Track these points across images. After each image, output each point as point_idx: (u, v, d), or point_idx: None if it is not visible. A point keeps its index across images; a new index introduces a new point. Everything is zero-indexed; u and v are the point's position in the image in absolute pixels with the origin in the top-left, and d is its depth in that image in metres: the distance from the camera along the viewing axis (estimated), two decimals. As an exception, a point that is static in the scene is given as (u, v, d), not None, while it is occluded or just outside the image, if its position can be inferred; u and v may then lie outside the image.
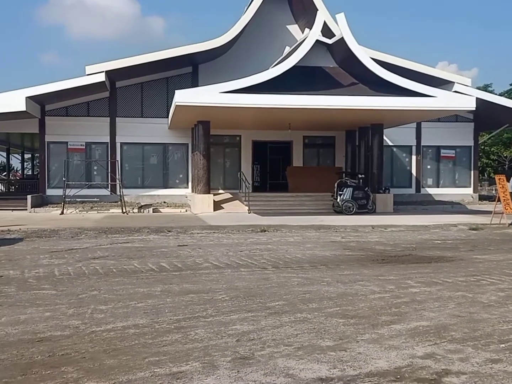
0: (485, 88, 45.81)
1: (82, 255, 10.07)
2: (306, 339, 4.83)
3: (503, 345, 4.65)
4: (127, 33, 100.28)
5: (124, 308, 5.96)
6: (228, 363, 4.19)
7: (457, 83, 24.64)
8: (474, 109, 19.38)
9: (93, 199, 23.21)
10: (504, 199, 16.79)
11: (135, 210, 21.95)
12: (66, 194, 21.77)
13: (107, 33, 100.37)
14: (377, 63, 19.75)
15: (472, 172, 28.72)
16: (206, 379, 3.88)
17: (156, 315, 5.66)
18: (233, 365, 4.15)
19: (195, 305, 6.09)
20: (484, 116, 26.04)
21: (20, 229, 14.66)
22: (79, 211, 21.48)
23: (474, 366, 4.13)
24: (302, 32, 23.65)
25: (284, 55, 22.19)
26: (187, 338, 4.85)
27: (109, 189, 24.04)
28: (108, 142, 24.95)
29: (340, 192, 20.75)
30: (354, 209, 20.51)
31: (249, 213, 20.32)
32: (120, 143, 25.09)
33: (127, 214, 21.04)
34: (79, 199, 22.61)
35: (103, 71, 22.00)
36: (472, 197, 28.20)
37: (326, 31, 21.91)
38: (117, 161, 24.08)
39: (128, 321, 5.43)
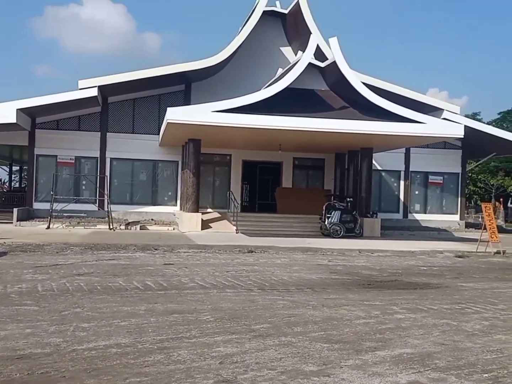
0: (473, 116, 46.46)
1: (67, 271, 9.96)
2: (289, 363, 4.80)
3: (486, 375, 4.65)
4: (122, 49, 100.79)
5: (107, 327, 5.89)
6: (210, 386, 4.15)
7: (446, 110, 24.96)
8: (463, 136, 19.62)
9: (81, 214, 23.03)
10: (490, 227, 16.91)
11: (122, 227, 21.81)
12: (54, 208, 21.60)
13: (101, 48, 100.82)
14: (368, 87, 19.99)
15: (459, 199, 28.93)
16: (188, 402, 3.83)
17: (139, 334, 5.60)
18: (215, 389, 4.10)
19: (179, 326, 6.04)
20: (472, 144, 26.34)
21: (4, 242, 14.49)
22: (66, 226, 21.30)
23: (457, 396, 4.12)
24: (295, 55, 23.90)
25: (276, 76, 22.38)
26: (169, 359, 4.80)
27: (97, 205, 23.90)
28: (98, 157, 24.86)
29: (328, 215, 20.79)
30: (342, 233, 20.53)
31: (237, 233, 20.27)
32: (110, 158, 25.02)
33: (114, 230, 20.90)
34: (66, 214, 22.41)
35: (95, 86, 22.02)
36: (459, 224, 28.36)
37: (319, 54, 22.19)
38: (106, 176, 24.00)
39: (110, 340, 5.36)
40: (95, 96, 22.15)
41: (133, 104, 25.33)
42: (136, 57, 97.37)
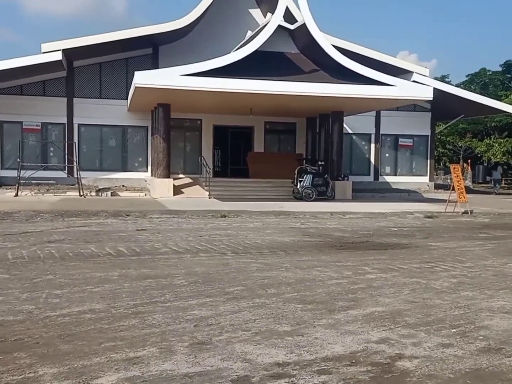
0: (442, 79, 46.80)
1: (37, 239, 9.83)
2: (264, 324, 4.86)
3: (454, 330, 4.79)
4: (87, 11, 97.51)
5: (80, 293, 5.85)
6: (185, 348, 4.18)
7: (416, 73, 25.04)
8: (432, 99, 19.79)
9: (49, 182, 22.62)
10: (458, 188, 17.25)
11: (93, 193, 21.55)
12: (21, 175, 21.13)
13: (65, 10, 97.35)
14: (339, 50, 19.86)
15: (428, 161, 29.38)
16: (163, 364, 3.86)
17: (113, 300, 5.59)
18: (191, 350, 4.14)
19: (153, 290, 6.04)
20: (441, 106, 26.61)
21: (-29, 211, 14.18)
22: (35, 193, 20.93)
23: (426, 351, 4.25)
24: (265, 17, 23.52)
25: (246, 39, 22.02)
26: (144, 323, 4.81)
27: (66, 171, 23.48)
28: (65, 123, 24.32)
29: (300, 179, 20.88)
30: (314, 196, 20.69)
31: (209, 198, 20.25)
32: (78, 124, 24.51)
33: (85, 197, 20.64)
34: (34, 181, 21.98)
35: (60, 50, 21.34)
36: (428, 185, 28.87)
37: (289, 16, 21.85)
38: (75, 143, 23.54)
39: (84, 306, 5.34)
40: (60, 60, 21.50)
41: (99, 68, 24.71)
42: (101, 21, 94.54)
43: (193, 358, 3.99)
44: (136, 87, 17.64)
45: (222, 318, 5.02)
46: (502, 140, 38.37)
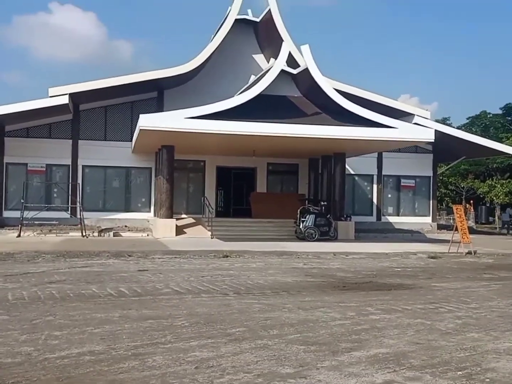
0: (443, 121, 47.30)
1: (38, 279, 9.77)
2: (266, 366, 4.78)
3: (460, 372, 4.70)
4: (93, 57, 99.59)
5: (80, 334, 5.79)
6: (186, 391, 4.10)
7: (417, 115, 25.32)
8: (433, 140, 19.93)
9: (52, 222, 22.65)
10: (461, 229, 17.18)
11: (95, 234, 21.53)
12: (24, 216, 21.19)
13: (72, 56, 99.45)
14: (341, 94, 20.16)
15: (431, 201, 29.37)
16: (163, 407, 3.78)
17: (113, 341, 5.52)
18: (191, 393, 4.06)
19: (154, 331, 5.97)
20: (443, 148, 26.80)
21: (-27, 252, 14.15)
22: (37, 233, 20.92)
23: (432, 393, 4.16)
24: (268, 62, 24.01)
25: (249, 83, 22.43)
26: (144, 365, 4.74)
27: (69, 212, 23.53)
28: (69, 165, 24.52)
29: (303, 219, 20.88)
30: (317, 236, 20.62)
31: (211, 238, 20.20)
32: (82, 165, 24.71)
33: (87, 237, 20.62)
34: (37, 222, 22.00)
35: (66, 94, 21.72)
36: (431, 226, 28.77)
37: (291, 61, 22.31)
38: (78, 183, 23.68)
39: (83, 347, 5.27)
40: (66, 104, 21.84)
41: (105, 111, 25.09)
42: (108, 65, 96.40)
43: (193, 400, 3.91)
44: (140, 129, 17.86)
45: (224, 359, 4.94)
46: (504, 181, 38.46)
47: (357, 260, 14.57)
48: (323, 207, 21.79)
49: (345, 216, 22.64)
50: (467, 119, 50.97)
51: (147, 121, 17.52)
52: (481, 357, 5.19)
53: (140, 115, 17.74)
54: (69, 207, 23.64)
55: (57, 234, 21.12)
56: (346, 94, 21.63)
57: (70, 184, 24.05)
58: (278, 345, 5.47)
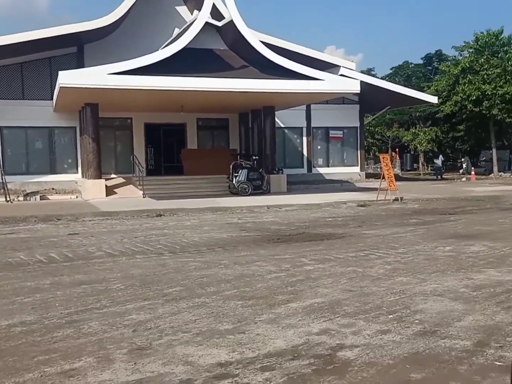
0: (368, 72, 48.12)
1: (-40, 250, 9.28)
2: (204, 324, 4.80)
3: (391, 316, 4.91)
4: (7, 7, 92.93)
5: (9, 305, 5.56)
6: (124, 356, 4.05)
7: (343, 67, 25.53)
8: (359, 91, 20.26)
9: (-28, 188, 21.46)
10: (388, 177, 17.78)
11: (21, 198, 20.59)
12: None
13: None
14: (268, 46, 19.95)
15: (359, 151, 30.14)
16: (102, 374, 3.72)
17: (46, 310, 5.35)
18: (130, 357, 4.02)
19: (88, 297, 5.83)
20: (368, 98, 27.29)
21: None
22: (-44, 202, 19.77)
23: (365, 339, 4.32)
24: (191, 14, 23.29)
25: (173, 36, 21.72)
26: (79, 332, 4.63)
27: (-11, 177, 22.34)
28: (-14, 126, 23.17)
29: (236, 174, 20.87)
30: (250, 190, 20.73)
31: (144, 197, 19.87)
32: (1, 126, 23.39)
33: (12, 202, 19.71)
34: (-45, 189, 20.78)
35: (-23, 49, 20.27)
36: (360, 175, 29.63)
37: (216, 13, 21.70)
38: (-2, 146, 22.44)
39: (14, 318, 5.07)
40: (-23, 60, 20.42)
41: (21, 68, 23.64)
42: (24, 17, 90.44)
43: (132, 365, 3.87)
44: (61, 87, 17.00)
45: (162, 321, 4.91)
46: (426, 129, 39.92)
47: (290, 212, 14.81)
48: (255, 161, 21.84)
49: (277, 169, 22.83)
50: (391, 69, 52.16)
51: (67, 78, 16.68)
52: (410, 300, 5.45)
53: (60, 72, 16.86)
54: (-11, 172, 22.42)
55: (-22, 201, 20.05)
56: (272, 46, 21.42)
57: (-12, 148, 22.74)
58: (216, 302, 5.50)
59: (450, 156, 46.34)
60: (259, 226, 11.89)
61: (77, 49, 24.02)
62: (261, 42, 20.04)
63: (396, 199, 17.23)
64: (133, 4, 23.04)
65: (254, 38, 19.68)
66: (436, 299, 5.46)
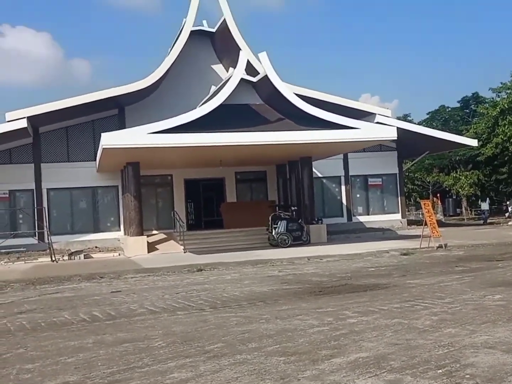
0: (405, 118, 48.14)
1: (7, 310, 9.47)
2: (246, 381, 4.71)
3: (440, 371, 4.71)
4: (51, 78, 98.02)
5: (53, 365, 5.60)
6: (166, 416, 3.99)
7: (378, 114, 25.70)
8: (396, 138, 20.21)
9: (20, 249, 22.09)
10: (430, 223, 17.43)
11: (65, 258, 21.05)
12: (-10, 245, 20.60)
13: (29, 79, 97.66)
14: (302, 98, 20.29)
15: (399, 198, 29.78)
16: None
17: (88, 369, 5.36)
18: (172, 418, 3.95)
19: (130, 355, 5.82)
20: (406, 144, 27.20)
21: None
22: (4, 262, 20.33)
23: (414, 395, 4.14)
24: (227, 71, 24.00)
25: (210, 94, 22.37)
26: (122, 392, 4.61)
27: (36, 237, 23.00)
28: (33, 189, 24.05)
29: (275, 225, 20.86)
30: (290, 241, 20.63)
31: (184, 252, 20.00)
32: (47, 189, 24.25)
33: (57, 262, 20.15)
34: (4, 250, 21.43)
35: (24, 117, 21.30)
36: (401, 222, 29.15)
37: (251, 69, 22.35)
38: (44, 207, 23.17)
39: (57, 379, 5.10)
40: (25, 128, 21.41)
41: (66, 132, 24.71)
42: (66, 85, 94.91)
43: (174, 426, 3.80)
44: (103, 148, 17.60)
45: (203, 378, 4.85)
46: (467, 173, 39.26)
47: (331, 263, 14.61)
48: (294, 212, 21.83)
49: (316, 219, 22.73)
50: (427, 114, 51.91)
51: (110, 139, 17.28)
52: (460, 353, 5.22)
53: (102, 134, 17.49)
54: (36, 232, 23.11)
55: (26, 261, 20.58)
56: (307, 98, 21.78)
57: (35, 209, 23.53)
58: (258, 358, 5.40)
59: (495, 199, 45.18)
60: (300, 278, 11.75)
61: (118, 111, 24.98)
62: (296, 94, 20.41)
63: (440, 246, 16.81)
64: (171, 66, 23.96)
65: (288, 91, 20.07)
66: (487, 351, 5.22)
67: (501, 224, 29.95)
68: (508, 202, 38.96)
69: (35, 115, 21.74)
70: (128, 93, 22.84)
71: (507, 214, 36.20)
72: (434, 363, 4.92)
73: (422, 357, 5.13)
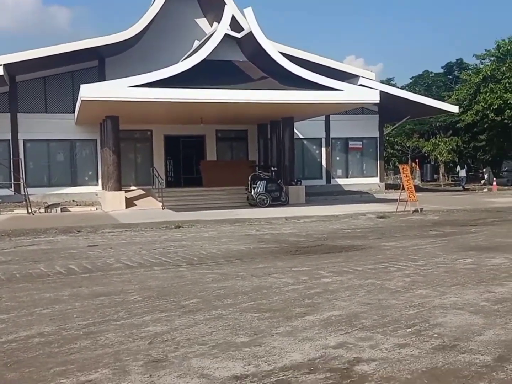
0: (388, 82, 47.94)
1: (-18, 261, 9.41)
2: (221, 336, 4.78)
3: (410, 329, 4.84)
4: (28, 24, 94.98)
5: (28, 316, 5.61)
6: (140, 367, 4.06)
7: (362, 77, 25.53)
8: (379, 102, 20.15)
9: (-5, 200, 21.83)
10: (408, 188, 17.61)
11: (42, 210, 20.88)
12: (-36, 196, 20.31)
13: (6, 24, 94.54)
14: (286, 57, 20.01)
15: (378, 162, 29.95)
16: (117, 386, 3.72)
17: (64, 321, 5.38)
18: (146, 369, 4.01)
19: (106, 308, 5.86)
20: (388, 108, 27.19)
21: None
22: (-21, 213, 20.10)
23: (383, 352, 4.26)
24: (211, 26, 23.50)
25: (193, 48, 21.94)
26: (96, 343, 4.65)
27: (12, 189, 22.71)
28: (9, 140, 23.57)
29: (254, 185, 20.89)
30: (268, 202, 20.72)
31: (163, 209, 19.98)
32: (23, 140, 23.79)
33: (33, 214, 19.99)
34: (-21, 201, 21.17)
35: (1, 65, 20.67)
36: (379, 186, 29.42)
37: (235, 25, 21.89)
38: (20, 159, 22.80)
39: (32, 329, 5.11)
40: (1, 76, 20.80)
41: (44, 82, 24.09)
42: (45, 33, 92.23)
43: (148, 377, 3.87)
44: (82, 100, 17.25)
45: (178, 333, 4.91)
46: (447, 139, 39.54)
47: (309, 223, 14.75)
48: (274, 173, 21.85)
49: (295, 180, 22.80)
50: (411, 79, 51.89)
51: (89, 91, 16.92)
52: (429, 313, 5.36)
53: (81, 85, 17.11)
54: (12, 184, 22.81)
55: (1, 213, 20.36)
56: (291, 57, 21.48)
57: (11, 160, 23.14)
58: (233, 314, 5.48)
59: (472, 166, 45.77)
60: (277, 237, 11.86)
61: (98, 62, 24.40)
62: (280, 53, 20.11)
63: (416, 211, 17.06)
64: (154, 18, 23.37)
65: (273, 49, 19.77)
66: (456, 312, 5.37)
67: (477, 191, 30.46)
68: (484, 170, 39.48)
69: (12, 62, 21.09)
70: (109, 44, 22.29)
71: (482, 181, 36.75)
72: (404, 322, 5.05)
73: (393, 317, 5.26)
